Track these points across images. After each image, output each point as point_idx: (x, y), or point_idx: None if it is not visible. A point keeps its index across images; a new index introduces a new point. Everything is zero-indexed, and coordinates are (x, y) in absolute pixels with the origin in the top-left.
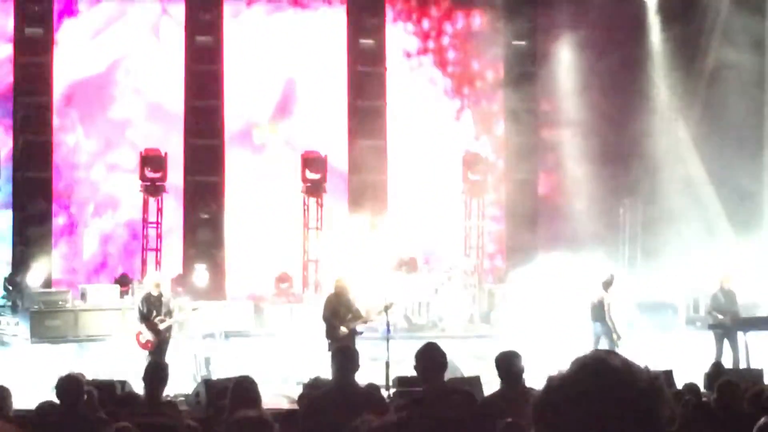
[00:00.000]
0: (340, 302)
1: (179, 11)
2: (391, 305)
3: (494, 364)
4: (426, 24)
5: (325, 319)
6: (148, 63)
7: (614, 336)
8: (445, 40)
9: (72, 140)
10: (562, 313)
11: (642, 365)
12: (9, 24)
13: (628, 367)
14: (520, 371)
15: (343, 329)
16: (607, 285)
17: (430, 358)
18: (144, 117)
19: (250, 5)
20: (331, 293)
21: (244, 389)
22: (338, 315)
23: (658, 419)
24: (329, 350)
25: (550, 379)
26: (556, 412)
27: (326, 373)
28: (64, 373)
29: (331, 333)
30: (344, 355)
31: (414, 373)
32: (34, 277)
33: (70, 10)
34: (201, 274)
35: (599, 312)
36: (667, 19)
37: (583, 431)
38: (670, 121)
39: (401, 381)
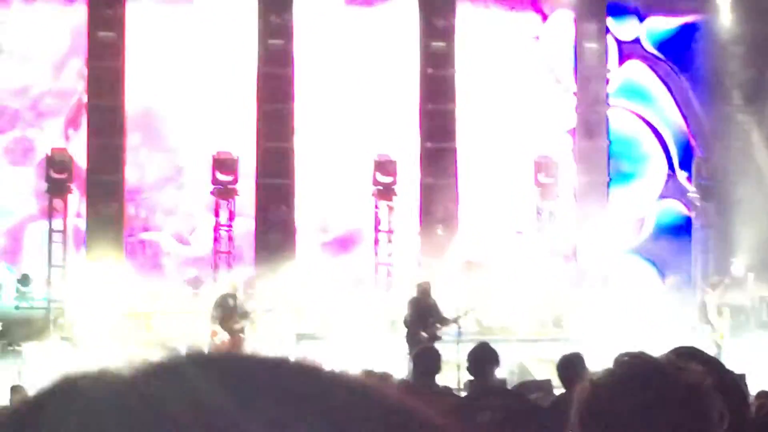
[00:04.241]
0: (423, 305)
1: (250, 13)
2: (472, 309)
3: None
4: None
5: (407, 322)
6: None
7: (716, 336)
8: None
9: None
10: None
11: (697, 367)
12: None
13: (674, 365)
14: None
15: (424, 333)
16: (714, 286)
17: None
18: (213, 120)
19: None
20: (414, 296)
21: None
22: (421, 318)
23: (707, 419)
24: (409, 353)
25: (594, 376)
26: (601, 410)
27: (398, 376)
28: None
29: (412, 337)
30: (427, 358)
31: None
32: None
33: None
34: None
35: (702, 313)
36: None
37: (628, 429)
38: None
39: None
